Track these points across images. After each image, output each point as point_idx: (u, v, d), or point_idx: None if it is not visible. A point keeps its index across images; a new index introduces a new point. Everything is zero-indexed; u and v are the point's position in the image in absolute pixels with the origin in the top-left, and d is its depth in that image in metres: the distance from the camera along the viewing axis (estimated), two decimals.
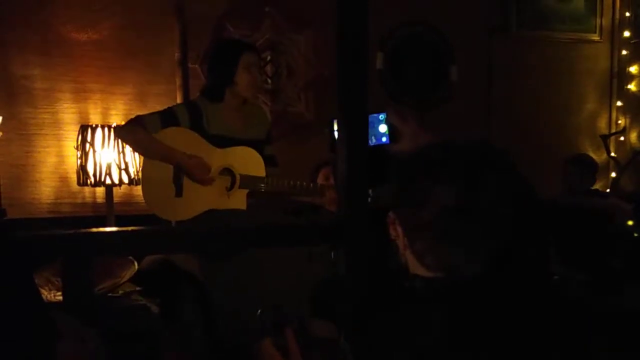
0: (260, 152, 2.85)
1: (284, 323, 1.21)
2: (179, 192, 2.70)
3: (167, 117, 2.71)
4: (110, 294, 2.73)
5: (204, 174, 2.68)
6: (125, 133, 2.75)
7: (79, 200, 3.45)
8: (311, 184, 2.94)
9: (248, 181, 2.76)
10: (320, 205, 2.94)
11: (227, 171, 2.77)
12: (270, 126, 3.02)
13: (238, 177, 2.75)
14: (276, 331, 1.19)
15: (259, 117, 2.99)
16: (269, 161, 2.91)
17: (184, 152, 2.66)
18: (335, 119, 1.61)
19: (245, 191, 2.77)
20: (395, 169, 1.19)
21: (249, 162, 2.77)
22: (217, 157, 2.74)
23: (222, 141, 2.76)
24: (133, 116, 2.81)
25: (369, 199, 1.71)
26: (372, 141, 1.52)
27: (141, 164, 3.00)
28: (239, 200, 2.76)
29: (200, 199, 2.70)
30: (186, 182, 2.70)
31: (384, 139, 1.49)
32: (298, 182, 2.86)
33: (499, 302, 1.07)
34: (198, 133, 2.73)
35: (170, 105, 2.86)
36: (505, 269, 1.09)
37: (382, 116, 1.49)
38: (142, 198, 2.75)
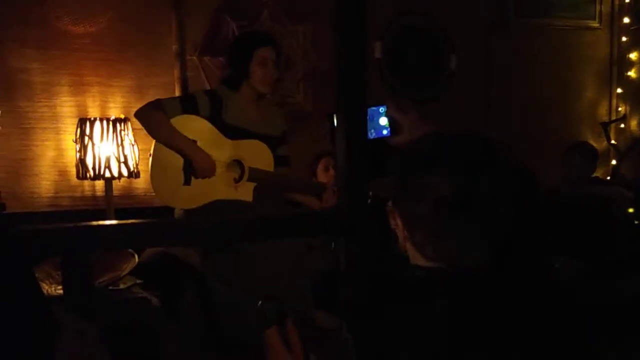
0: (273, 149, 2.85)
1: (285, 314, 1.20)
2: (187, 181, 2.71)
3: (188, 104, 2.72)
4: (110, 287, 2.74)
5: (209, 173, 2.69)
6: (144, 115, 2.73)
7: (78, 194, 3.45)
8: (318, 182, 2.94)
9: (256, 174, 2.76)
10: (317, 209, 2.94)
11: (237, 163, 2.77)
12: (286, 127, 3.01)
13: (247, 169, 2.76)
14: (278, 322, 1.19)
15: (276, 115, 2.99)
16: (281, 161, 2.91)
17: (198, 147, 2.67)
18: (335, 112, 1.61)
19: (253, 185, 2.78)
20: (393, 160, 1.19)
21: (259, 155, 2.78)
22: (228, 148, 2.74)
23: (237, 132, 2.76)
24: (134, 108, 2.81)
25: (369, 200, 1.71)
26: (372, 134, 1.51)
27: (146, 154, 2.99)
28: (246, 192, 2.77)
29: (208, 189, 2.71)
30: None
31: (384, 132, 1.49)
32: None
33: (499, 293, 1.07)
34: (216, 122, 2.73)
35: (190, 92, 2.86)
36: (505, 259, 1.08)
37: (382, 109, 1.49)
38: (143, 189, 2.76)
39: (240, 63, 2.79)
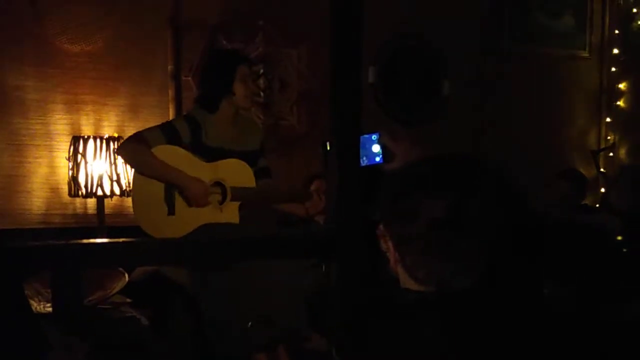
0: (254, 163, 2.86)
1: (276, 339, 1.21)
2: (171, 211, 2.69)
3: (170, 133, 2.69)
4: (100, 306, 2.72)
5: (202, 200, 2.68)
6: (129, 152, 2.71)
7: (70, 211, 3.44)
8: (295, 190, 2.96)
9: (239, 193, 2.76)
10: (304, 215, 2.94)
11: (217, 185, 2.77)
12: (263, 137, 3.03)
13: (229, 190, 2.75)
14: (269, 346, 1.19)
15: (252, 128, 3.01)
16: (262, 173, 2.92)
17: (188, 175, 2.66)
18: (328, 140, 1.63)
19: (237, 204, 2.77)
20: (385, 183, 1.20)
21: (238, 173, 2.78)
22: (207, 171, 2.73)
23: (219, 153, 2.76)
24: (128, 127, 2.81)
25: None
26: (365, 161, 1.53)
27: (132, 182, 2.98)
28: (231, 213, 2.76)
29: (193, 216, 2.70)
30: (178, 199, 2.69)
31: (377, 159, 1.51)
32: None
33: (490, 316, 1.08)
34: (197, 146, 2.73)
35: (168, 120, 2.86)
36: (496, 282, 1.09)
37: (374, 136, 1.51)
38: (133, 210, 2.74)
39: (221, 81, 2.77)
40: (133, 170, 2.77)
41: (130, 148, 2.69)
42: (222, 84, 2.76)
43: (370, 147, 1.52)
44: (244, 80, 2.78)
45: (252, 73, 2.88)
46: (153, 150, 2.64)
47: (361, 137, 1.54)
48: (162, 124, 2.76)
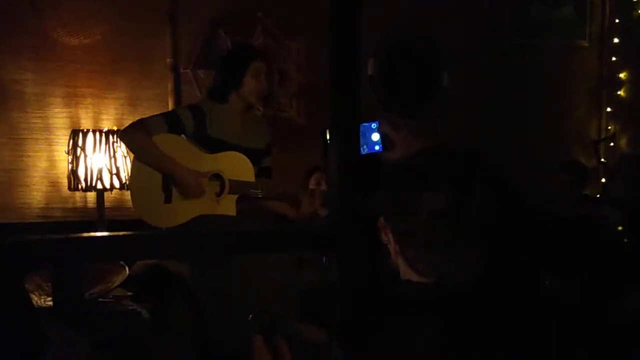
0: (258, 162, 2.85)
1: (274, 328, 1.21)
2: (168, 199, 2.69)
3: (173, 122, 2.69)
4: (100, 299, 2.72)
5: (197, 193, 2.68)
6: (130, 138, 2.71)
7: (70, 205, 3.44)
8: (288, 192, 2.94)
9: (237, 186, 2.75)
10: (294, 217, 2.92)
11: (216, 177, 2.76)
12: (270, 138, 3.01)
13: (227, 182, 2.74)
14: (267, 335, 1.19)
15: (260, 127, 2.99)
16: (262, 172, 2.90)
17: (184, 168, 2.65)
18: (327, 128, 1.62)
19: (235, 197, 2.76)
20: (385, 176, 1.20)
21: (237, 167, 2.77)
22: (206, 163, 2.72)
23: (222, 146, 2.75)
24: (127, 120, 2.81)
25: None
26: (365, 150, 1.53)
27: (130, 168, 2.98)
28: (228, 206, 2.75)
29: (190, 205, 2.69)
30: (175, 188, 2.70)
31: (376, 147, 1.51)
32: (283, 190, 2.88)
33: (490, 308, 1.08)
34: (200, 137, 2.72)
35: (173, 109, 2.85)
36: (496, 275, 1.09)
37: (374, 125, 1.51)
38: (131, 196, 2.73)
39: (233, 73, 2.78)
40: (133, 156, 2.77)
41: (131, 134, 2.70)
42: (234, 77, 2.77)
43: (370, 135, 1.52)
44: (257, 75, 2.79)
45: (266, 69, 2.87)
46: (154, 138, 2.64)
47: (361, 126, 1.54)
48: (167, 112, 2.77)
